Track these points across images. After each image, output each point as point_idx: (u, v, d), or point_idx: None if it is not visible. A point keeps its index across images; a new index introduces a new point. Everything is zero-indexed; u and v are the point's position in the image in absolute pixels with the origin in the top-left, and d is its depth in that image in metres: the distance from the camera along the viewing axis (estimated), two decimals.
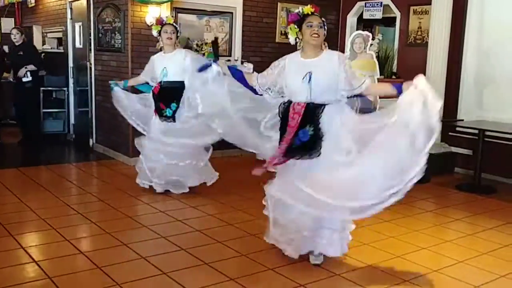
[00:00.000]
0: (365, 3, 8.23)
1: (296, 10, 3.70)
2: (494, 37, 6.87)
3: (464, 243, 4.45)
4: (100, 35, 7.47)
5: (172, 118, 5.34)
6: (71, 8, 8.37)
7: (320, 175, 3.53)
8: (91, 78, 7.79)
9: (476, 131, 6.33)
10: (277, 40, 8.05)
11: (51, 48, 9.06)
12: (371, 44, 6.80)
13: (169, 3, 6.85)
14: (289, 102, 3.69)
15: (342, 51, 7.90)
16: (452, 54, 7.13)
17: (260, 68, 7.79)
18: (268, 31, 7.97)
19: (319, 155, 3.57)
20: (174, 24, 5.50)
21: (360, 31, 6.99)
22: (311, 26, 3.59)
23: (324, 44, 3.68)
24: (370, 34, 6.77)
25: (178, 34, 5.50)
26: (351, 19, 8.60)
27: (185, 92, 5.34)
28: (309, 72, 3.57)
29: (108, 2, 7.18)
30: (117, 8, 6.96)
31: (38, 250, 4.02)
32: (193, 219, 4.83)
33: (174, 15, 7.09)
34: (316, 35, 3.58)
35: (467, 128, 6.66)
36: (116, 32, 7.03)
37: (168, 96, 5.34)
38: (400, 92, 3.44)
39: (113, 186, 5.93)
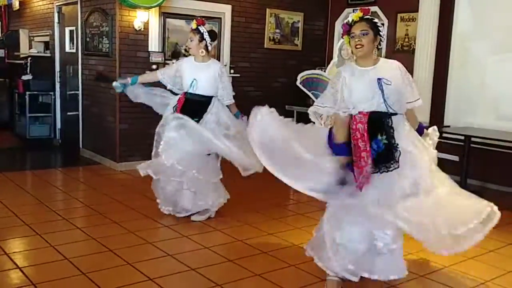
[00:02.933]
0: (353, 10, 8.23)
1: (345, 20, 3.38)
2: (480, 44, 6.93)
3: None
4: (88, 39, 7.43)
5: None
6: (58, 12, 8.33)
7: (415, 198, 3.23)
8: (78, 82, 7.75)
9: (462, 137, 6.37)
10: (265, 46, 8.05)
11: (38, 52, 9.00)
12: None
13: (158, 8, 6.83)
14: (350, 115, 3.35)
15: (330, 57, 7.94)
16: (438, 61, 7.18)
17: (248, 73, 7.88)
18: (257, 37, 7.97)
19: (398, 167, 3.26)
20: (199, 28, 4.85)
21: None
22: (353, 37, 3.28)
23: (375, 50, 3.34)
24: None
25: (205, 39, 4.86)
26: (339, 25, 8.63)
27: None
28: (379, 79, 3.25)
29: (96, 6, 7.15)
30: (104, 13, 6.94)
31: (22, 256, 3.97)
32: (179, 225, 4.80)
33: (162, 20, 7.09)
34: (359, 46, 3.26)
35: (454, 134, 6.70)
36: (104, 37, 7.00)
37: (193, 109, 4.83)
38: (421, 132, 3.58)
39: (99, 191, 5.89)
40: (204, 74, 4.82)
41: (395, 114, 3.32)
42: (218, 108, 4.88)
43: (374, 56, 3.34)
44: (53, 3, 8.38)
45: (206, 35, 4.81)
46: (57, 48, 8.48)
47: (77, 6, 7.63)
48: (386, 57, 7.70)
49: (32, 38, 9.38)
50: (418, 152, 3.35)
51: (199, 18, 4.96)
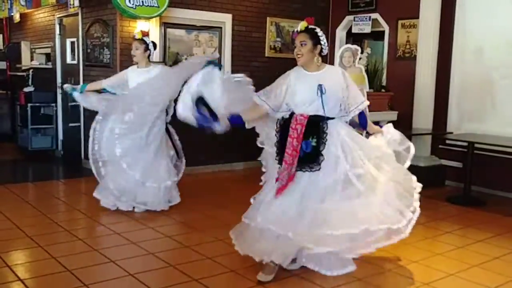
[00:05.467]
0: (354, 17, 8.27)
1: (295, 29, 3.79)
2: (481, 50, 6.92)
3: (455, 255, 4.43)
4: (89, 50, 7.45)
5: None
6: (59, 24, 8.35)
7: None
8: None
9: (466, 144, 6.34)
10: (266, 55, 8.07)
11: (40, 64, 9.02)
12: (360, 58, 6.83)
13: (158, 18, 6.85)
14: (291, 114, 3.73)
15: (331, 64, 7.93)
16: (440, 68, 7.17)
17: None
18: (257, 46, 7.99)
19: (319, 169, 3.65)
20: (144, 38, 5.40)
21: (349, 45, 7.03)
22: (295, 47, 3.71)
23: (316, 58, 3.72)
24: (359, 48, 6.80)
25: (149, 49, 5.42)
26: (340, 33, 8.64)
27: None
28: (320, 85, 3.62)
29: (97, 17, 7.17)
30: (105, 24, 6.96)
31: (24, 268, 3.95)
32: (181, 235, 4.78)
33: (163, 30, 7.10)
34: (299, 55, 3.69)
35: (457, 141, 6.68)
36: (105, 47, 7.01)
37: None
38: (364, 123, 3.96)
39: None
40: (144, 78, 5.31)
41: (333, 118, 3.69)
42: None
43: (318, 63, 3.72)
44: (54, 15, 8.41)
45: (150, 45, 5.40)
46: (58, 59, 8.50)
47: (78, 18, 7.66)
48: (388, 64, 7.77)
49: (33, 50, 9.41)
50: (343, 157, 3.68)
51: (144, 30, 5.65)
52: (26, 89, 8.67)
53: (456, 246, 4.69)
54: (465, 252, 4.52)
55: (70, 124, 8.17)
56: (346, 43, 8.28)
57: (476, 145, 6.30)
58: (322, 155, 3.65)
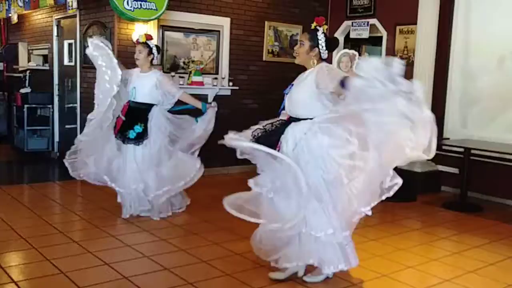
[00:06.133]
0: (352, 23, 8.29)
1: None
2: (478, 56, 6.93)
3: (451, 261, 4.43)
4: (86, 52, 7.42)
5: (135, 140, 5.20)
6: (57, 26, 8.34)
7: None
8: (76, 95, 7.74)
9: (462, 150, 6.35)
10: (264, 59, 8.07)
11: (37, 65, 9.00)
12: (357, 63, 6.83)
13: (156, 21, 6.84)
14: None
15: None
16: (437, 73, 7.18)
17: (247, 86, 7.87)
18: (255, 50, 7.99)
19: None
20: (147, 42, 5.30)
21: (346, 50, 7.02)
22: (297, 44, 3.81)
23: (312, 60, 3.72)
24: (357, 53, 6.80)
25: (153, 53, 5.31)
26: (339, 37, 8.62)
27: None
28: (291, 84, 3.77)
29: (95, 19, 7.16)
30: (103, 26, 6.95)
31: (18, 270, 3.92)
32: (177, 238, 4.76)
33: (161, 33, 7.10)
34: (296, 54, 3.79)
35: (453, 147, 6.68)
36: None
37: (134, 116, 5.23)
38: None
39: (96, 205, 5.84)
40: (142, 83, 5.22)
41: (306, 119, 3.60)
42: (158, 115, 5.23)
43: (313, 65, 3.70)
44: (52, 17, 8.40)
45: (154, 50, 5.30)
46: (55, 61, 8.48)
47: (76, 20, 7.65)
48: None
49: (31, 51, 9.40)
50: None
51: (147, 34, 5.45)
52: (22, 90, 8.64)
53: (452, 252, 4.68)
54: (461, 258, 4.52)
55: (67, 126, 8.16)
56: (344, 48, 8.28)
57: (473, 151, 6.31)
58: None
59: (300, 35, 3.74)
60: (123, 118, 5.22)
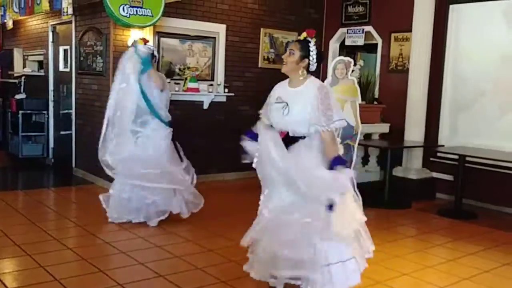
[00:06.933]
0: (347, 30, 8.32)
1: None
2: (472, 63, 6.97)
3: (445, 268, 4.43)
4: (82, 58, 7.43)
5: None
6: (52, 31, 8.34)
7: None
8: (72, 101, 7.73)
9: (457, 157, 6.37)
10: (260, 65, 8.08)
11: (32, 71, 8.99)
12: (352, 70, 6.84)
13: (152, 27, 6.84)
14: None
15: (324, 76, 7.95)
16: (432, 81, 7.21)
17: (242, 92, 7.88)
18: (251, 56, 8.00)
19: None
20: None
21: (342, 57, 7.03)
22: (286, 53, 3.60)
23: (301, 71, 3.56)
24: (352, 60, 6.81)
25: None
26: (334, 45, 8.68)
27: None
28: (286, 104, 3.55)
29: (91, 25, 7.16)
30: (99, 32, 6.94)
31: (11, 277, 3.90)
32: (172, 245, 4.74)
33: (156, 40, 7.10)
34: (284, 63, 3.60)
35: (448, 154, 6.70)
36: (98, 56, 7.00)
37: None
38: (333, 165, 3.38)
39: (91, 211, 5.81)
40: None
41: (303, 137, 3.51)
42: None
43: (302, 77, 3.56)
44: (47, 22, 8.39)
45: (155, 52, 5.44)
46: (51, 67, 8.47)
47: (71, 26, 7.64)
48: (380, 76, 7.80)
49: (26, 57, 9.38)
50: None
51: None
52: (17, 96, 8.63)
53: (446, 259, 4.69)
54: (456, 265, 4.52)
55: (62, 132, 8.14)
56: (339, 55, 8.32)
57: (467, 158, 6.33)
58: None
59: (291, 44, 3.59)
60: None
